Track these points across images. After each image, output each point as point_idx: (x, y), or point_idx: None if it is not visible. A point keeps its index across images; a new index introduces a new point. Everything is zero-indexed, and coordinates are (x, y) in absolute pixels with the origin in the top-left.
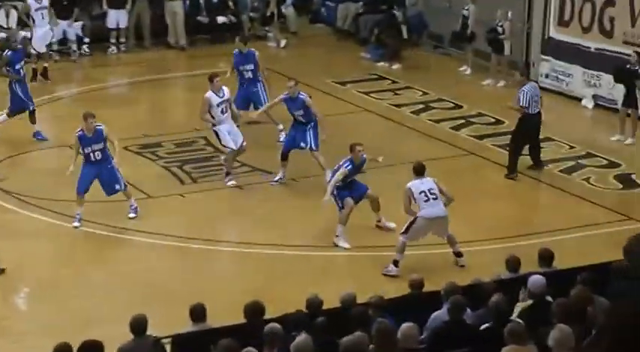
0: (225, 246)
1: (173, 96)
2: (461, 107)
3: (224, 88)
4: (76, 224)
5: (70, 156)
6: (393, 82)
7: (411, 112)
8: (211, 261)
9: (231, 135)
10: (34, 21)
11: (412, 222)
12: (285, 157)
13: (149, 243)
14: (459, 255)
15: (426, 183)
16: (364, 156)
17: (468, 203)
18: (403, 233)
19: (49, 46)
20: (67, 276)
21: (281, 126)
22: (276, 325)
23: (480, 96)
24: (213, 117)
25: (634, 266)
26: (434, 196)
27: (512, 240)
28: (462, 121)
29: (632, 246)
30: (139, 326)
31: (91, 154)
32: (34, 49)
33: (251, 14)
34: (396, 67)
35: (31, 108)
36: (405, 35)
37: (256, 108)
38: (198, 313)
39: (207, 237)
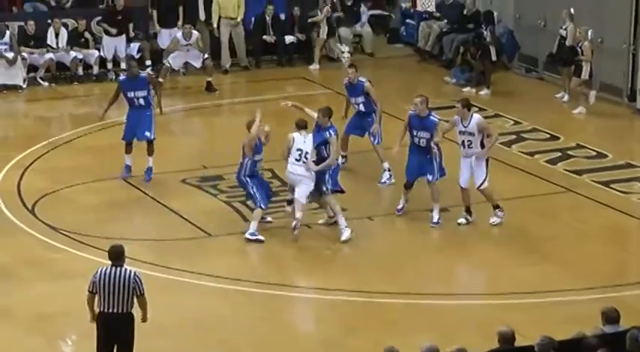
0: (293, 291)
1: (235, 123)
2: (558, 138)
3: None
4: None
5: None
6: (481, 109)
7: (502, 144)
8: (279, 308)
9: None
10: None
11: None
12: (410, 186)
13: (210, 287)
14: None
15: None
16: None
17: (566, 246)
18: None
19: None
20: None
21: (387, 165)
22: None
23: (579, 127)
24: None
25: None
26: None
27: (616, 289)
28: (559, 154)
29: None
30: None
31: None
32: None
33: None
34: (484, 92)
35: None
36: (494, 57)
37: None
38: None
39: (274, 281)
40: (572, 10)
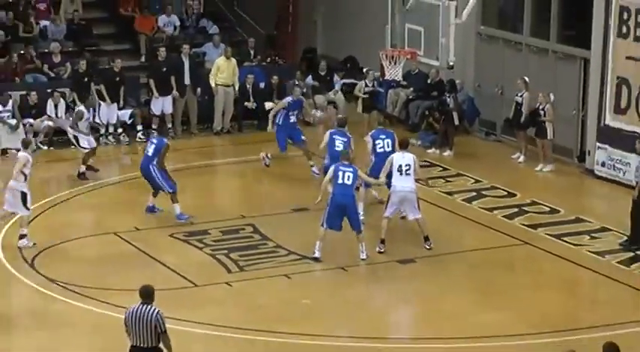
0: (273, 337)
1: (219, 182)
2: (514, 195)
3: None
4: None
5: None
6: (444, 169)
7: (463, 200)
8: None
9: None
10: None
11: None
12: None
13: (194, 333)
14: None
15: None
16: None
17: (524, 295)
18: None
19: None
20: None
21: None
22: None
23: (534, 185)
24: None
25: None
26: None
27: (570, 333)
28: (516, 210)
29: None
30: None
31: None
32: None
33: None
34: (447, 153)
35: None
36: (456, 121)
37: None
38: None
39: (256, 327)
40: (526, 78)
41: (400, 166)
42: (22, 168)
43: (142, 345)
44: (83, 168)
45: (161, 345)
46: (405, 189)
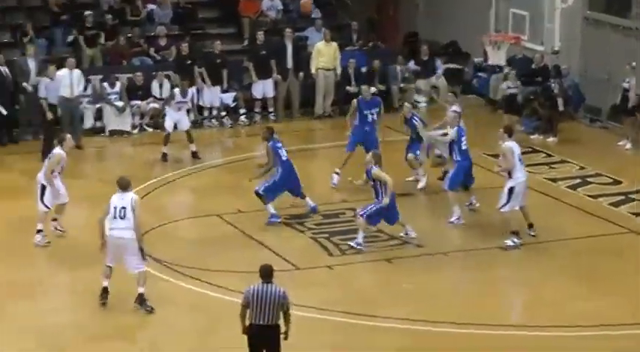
0: (374, 321)
1: (320, 166)
2: (620, 183)
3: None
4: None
5: None
6: (548, 155)
7: (567, 187)
8: (361, 336)
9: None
10: None
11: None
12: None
13: (298, 316)
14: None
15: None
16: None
17: (629, 284)
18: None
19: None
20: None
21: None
22: None
23: None
24: None
25: None
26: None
27: None
28: (622, 197)
29: None
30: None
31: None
32: None
33: (401, 85)
34: (551, 139)
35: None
36: (561, 107)
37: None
38: None
39: (357, 311)
40: (634, 63)
41: (519, 155)
42: (54, 167)
43: (263, 323)
44: (164, 149)
45: (280, 322)
46: (525, 178)
